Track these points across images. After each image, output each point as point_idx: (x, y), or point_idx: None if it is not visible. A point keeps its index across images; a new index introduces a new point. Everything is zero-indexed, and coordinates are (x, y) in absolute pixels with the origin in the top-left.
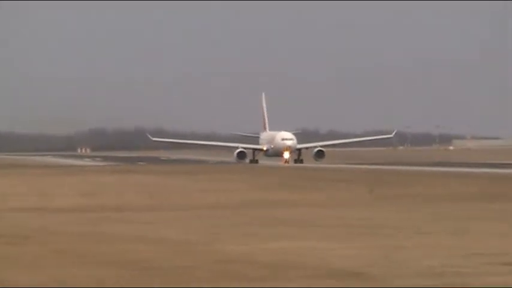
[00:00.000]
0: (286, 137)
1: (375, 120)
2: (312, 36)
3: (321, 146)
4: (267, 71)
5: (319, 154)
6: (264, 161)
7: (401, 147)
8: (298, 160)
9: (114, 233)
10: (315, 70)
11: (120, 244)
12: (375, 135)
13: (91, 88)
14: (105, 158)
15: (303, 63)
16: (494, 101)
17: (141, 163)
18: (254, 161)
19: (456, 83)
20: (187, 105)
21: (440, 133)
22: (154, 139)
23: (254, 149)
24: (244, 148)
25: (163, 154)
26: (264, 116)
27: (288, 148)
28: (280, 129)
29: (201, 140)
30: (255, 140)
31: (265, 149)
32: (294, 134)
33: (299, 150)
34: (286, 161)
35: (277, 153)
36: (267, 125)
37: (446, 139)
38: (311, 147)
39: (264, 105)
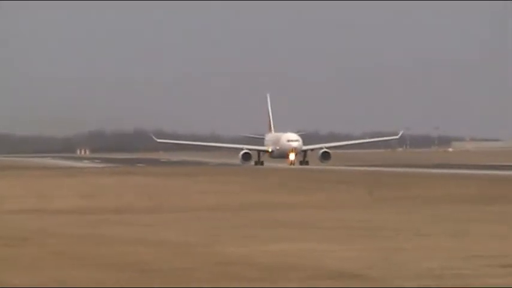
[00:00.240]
0: (291, 138)
1: (375, 120)
2: (312, 36)
3: (327, 148)
4: (267, 71)
5: (325, 156)
6: (269, 163)
7: (400, 149)
8: (303, 162)
9: (114, 235)
10: (315, 70)
11: (120, 246)
12: (374, 137)
13: (91, 88)
14: (104, 160)
15: (303, 63)
16: (494, 101)
17: (140, 165)
18: (259, 162)
19: (456, 83)
20: (187, 105)
21: (439, 135)
22: (159, 140)
23: (259, 151)
24: (249, 149)
25: (162, 156)
26: (269, 117)
27: (294, 149)
28: (280, 130)
29: (202, 141)
30: (259, 141)
31: (270, 150)
32: (299, 135)
33: (304, 151)
34: (292, 163)
35: (282, 154)
36: (272, 126)
37: (445, 141)
38: (316, 148)
39: (269, 106)
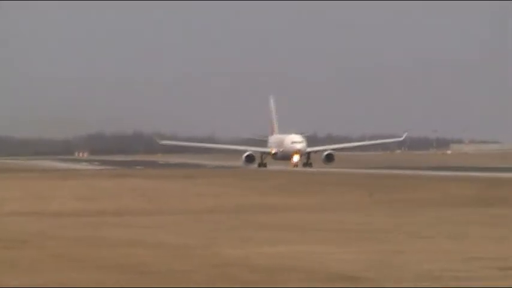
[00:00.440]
0: (295, 140)
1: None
2: (312, 36)
3: (331, 149)
4: (267, 71)
5: (329, 158)
6: (272, 165)
7: (398, 151)
8: (307, 164)
9: (113, 237)
10: (315, 70)
11: (119, 248)
12: (373, 139)
13: (91, 88)
14: (102, 162)
15: (303, 63)
16: (494, 101)
17: (139, 167)
18: (262, 164)
19: (456, 83)
20: (187, 106)
21: (437, 137)
22: (162, 142)
23: (262, 153)
24: (253, 151)
25: (161, 158)
26: (272, 119)
27: (298, 151)
28: (280, 130)
29: (201, 142)
30: (262, 142)
31: (273, 152)
32: (303, 136)
33: (308, 153)
34: (295, 165)
35: (286, 156)
36: (275, 128)
37: (444, 143)
38: (320, 150)
39: (273, 108)
